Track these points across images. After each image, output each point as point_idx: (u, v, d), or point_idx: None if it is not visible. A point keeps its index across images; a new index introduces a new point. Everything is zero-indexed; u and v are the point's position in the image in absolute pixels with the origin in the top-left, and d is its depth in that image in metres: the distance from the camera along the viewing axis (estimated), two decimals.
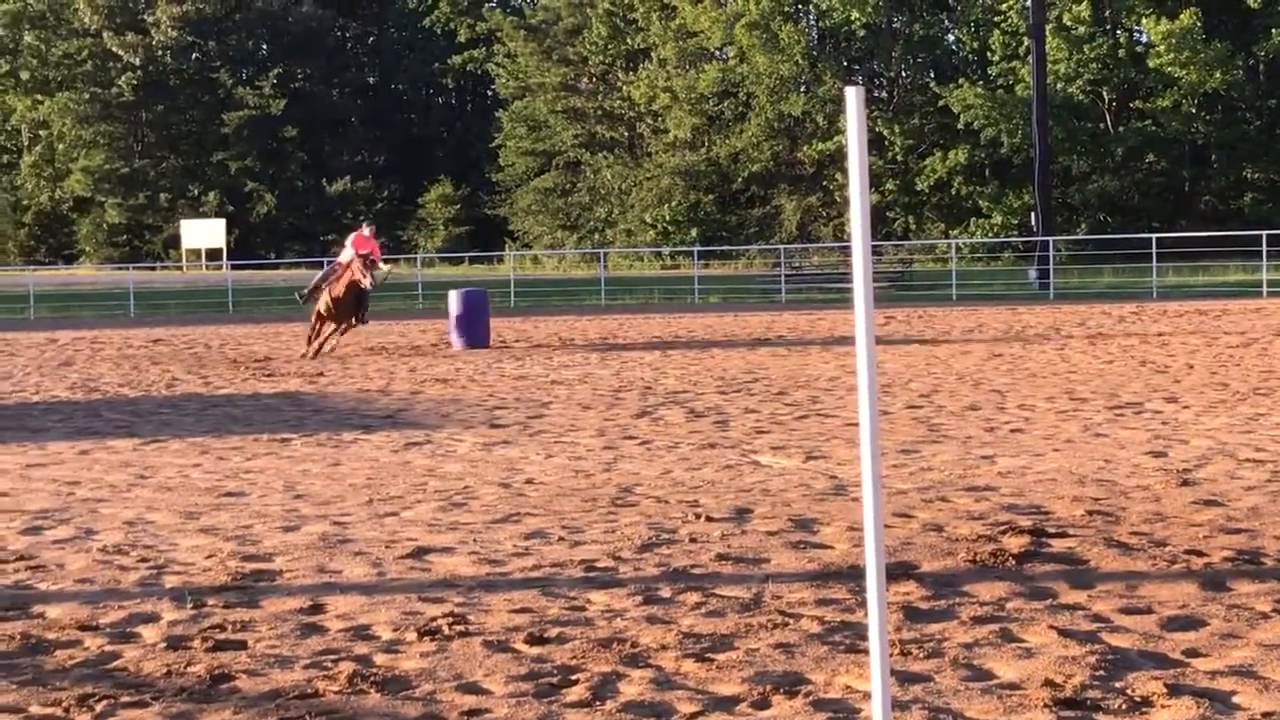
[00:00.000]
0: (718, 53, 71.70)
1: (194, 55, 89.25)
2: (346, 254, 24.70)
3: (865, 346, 4.26)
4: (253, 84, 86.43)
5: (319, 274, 25.35)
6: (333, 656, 6.53)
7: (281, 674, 6.29)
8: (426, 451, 13.00)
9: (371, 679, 6.15)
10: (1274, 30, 58.38)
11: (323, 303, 24.25)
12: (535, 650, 6.54)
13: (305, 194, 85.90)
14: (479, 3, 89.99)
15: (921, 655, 6.29)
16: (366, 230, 25.29)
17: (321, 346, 24.45)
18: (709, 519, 9.42)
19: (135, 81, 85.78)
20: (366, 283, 24.23)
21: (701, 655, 6.40)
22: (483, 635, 6.79)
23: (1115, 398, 15.83)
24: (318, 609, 7.37)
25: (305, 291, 25.27)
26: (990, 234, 60.68)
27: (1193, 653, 6.27)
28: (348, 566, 8.31)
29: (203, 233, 79.08)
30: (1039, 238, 43.88)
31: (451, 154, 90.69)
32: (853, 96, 4.22)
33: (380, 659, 6.48)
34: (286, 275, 60.60)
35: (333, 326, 24.60)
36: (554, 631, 6.82)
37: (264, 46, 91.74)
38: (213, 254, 76.76)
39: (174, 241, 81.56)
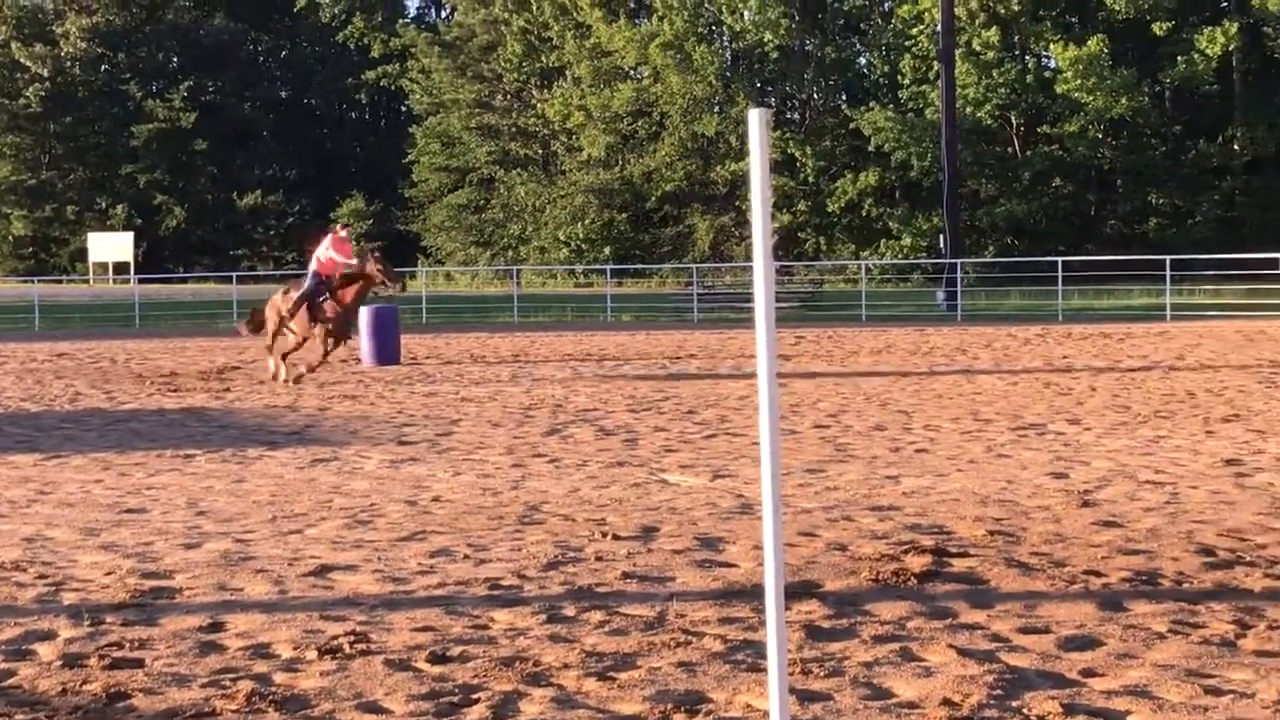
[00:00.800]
0: (632, 72, 71.86)
1: (103, 67, 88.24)
2: (325, 254, 22.26)
3: (767, 366, 4.28)
4: (163, 96, 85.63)
5: (304, 289, 22.20)
6: (231, 675, 6.47)
7: (179, 692, 6.23)
8: (333, 468, 12.92)
9: (270, 698, 6.10)
10: (1179, 58, 59.28)
11: (331, 313, 21.83)
12: (437, 669, 6.51)
13: (215, 208, 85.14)
14: (393, 18, 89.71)
15: (822, 674, 6.32)
16: (344, 232, 22.99)
17: (325, 359, 22.24)
18: (615, 537, 9.42)
19: (43, 93, 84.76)
20: (397, 289, 22.88)
21: (604, 674, 6.39)
22: (384, 654, 6.75)
23: (1019, 419, 16.00)
24: (217, 627, 7.30)
25: (291, 309, 22.15)
26: (900, 255, 61.18)
27: (1089, 672, 6.34)
28: (249, 584, 8.24)
29: (110, 246, 78.14)
30: (947, 260, 44.30)
31: (364, 169, 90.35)
32: (756, 118, 4.25)
33: (280, 677, 6.43)
34: (195, 290, 60.14)
35: (333, 342, 22.09)
36: (456, 650, 6.80)
37: (174, 59, 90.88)
38: (120, 267, 75.89)
39: (81, 254, 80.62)
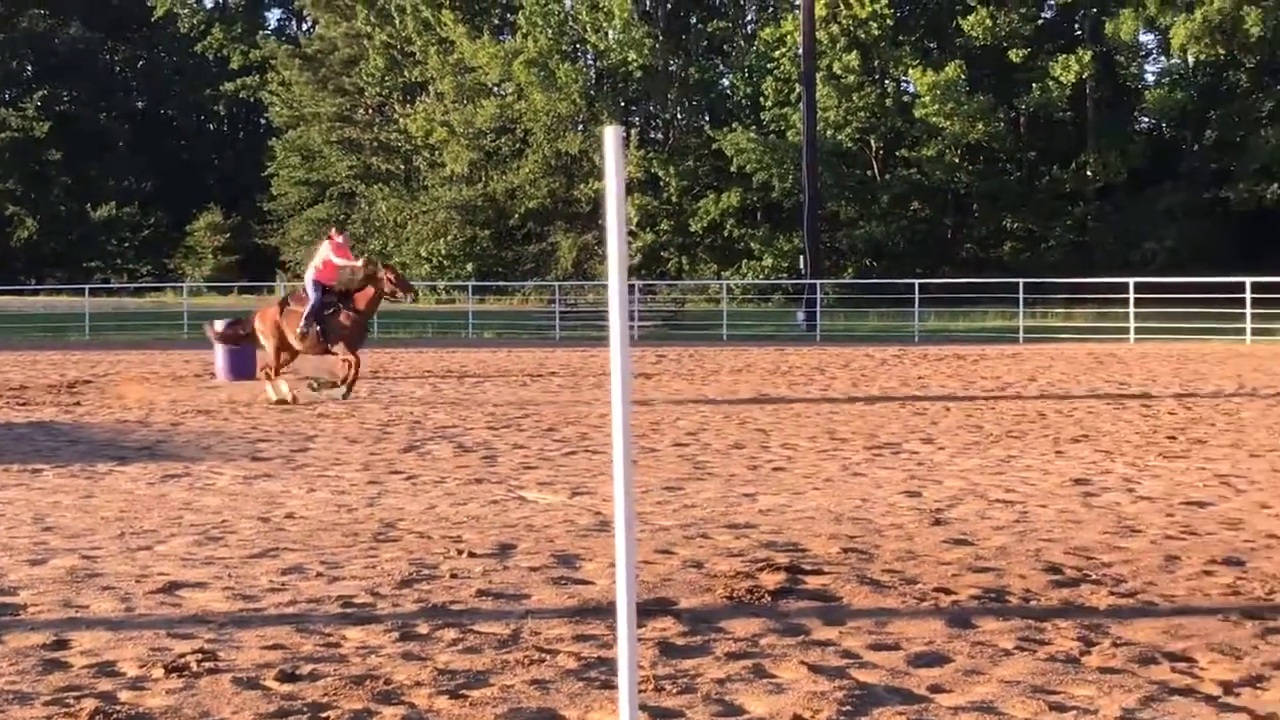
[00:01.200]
0: (496, 88, 71.76)
1: None
2: (323, 260, 20.87)
3: (621, 383, 4.29)
4: (16, 105, 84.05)
5: (309, 304, 20.63)
6: (75, 693, 6.33)
7: (21, 710, 6.09)
8: (184, 484, 12.72)
9: (114, 716, 5.98)
10: (1034, 85, 60.44)
11: (347, 322, 20.63)
12: (286, 688, 6.42)
13: (68, 219, 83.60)
14: (253, 30, 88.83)
15: (675, 691, 6.33)
16: (340, 237, 21.36)
17: (349, 381, 20.82)
18: (471, 555, 9.37)
19: None
20: (409, 299, 21.93)
21: (455, 692, 6.35)
22: (232, 672, 6.65)
23: (874, 438, 16.17)
24: (62, 645, 7.14)
25: (306, 327, 20.54)
26: (761, 276, 61.66)
27: (937, 689, 6.41)
28: (95, 601, 8.08)
29: None
30: (807, 280, 44.76)
31: (222, 182, 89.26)
32: (610, 136, 4.26)
33: (125, 696, 6.31)
34: (47, 302, 58.96)
35: (353, 358, 20.79)
36: (306, 668, 6.71)
37: (29, 67, 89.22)
38: None
39: None
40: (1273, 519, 10.71)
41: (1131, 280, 38.26)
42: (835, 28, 61.97)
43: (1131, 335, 37.47)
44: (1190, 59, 62.22)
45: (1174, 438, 16.09)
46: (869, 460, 14.29)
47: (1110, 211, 62.29)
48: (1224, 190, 59.35)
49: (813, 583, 8.52)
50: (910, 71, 61.96)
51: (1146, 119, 66.88)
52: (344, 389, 20.92)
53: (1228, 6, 56.93)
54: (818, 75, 54.50)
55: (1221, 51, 59.38)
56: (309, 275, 21.31)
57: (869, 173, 64.35)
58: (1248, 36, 57.47)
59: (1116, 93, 64.75)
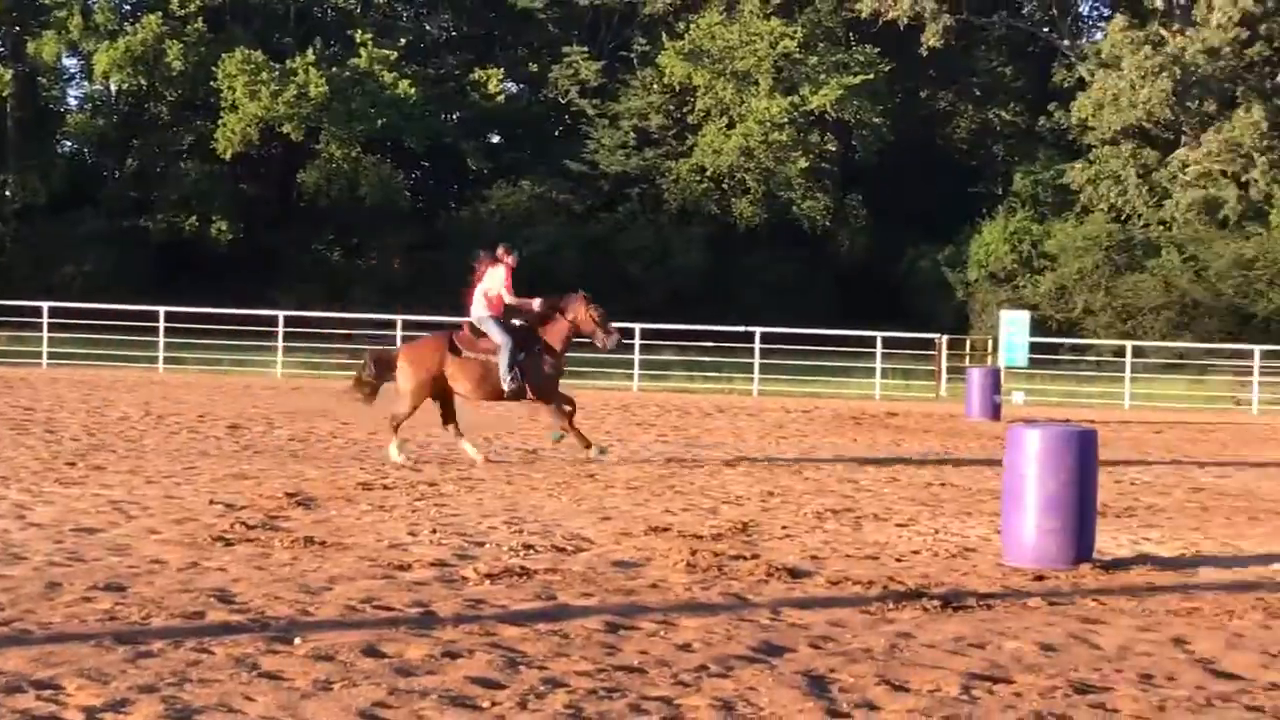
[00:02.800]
0: None
1: None
2: (495, 290, 16.87)
3: None
4: None
5: (503, 342, 16.61)
6: None
7: None
8: None
9: None
10: None
11: (549, 372, 17.00)
12: None
13: None
14: None
15: None
16: (511, 258, 17.00)
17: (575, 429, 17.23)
18: None
19: None
20: (611, 343, 17.25)
21: None
22: None
23: None
24: None
25: (512, 382, 16.55)
26: None
27: None
28: None
29: None
30: None
31: None
32: None
33: None
34: None
35: (568, 405, 17.22)
36: None
37: None
38: None
39: None
40: (159, 544, 11.00)
41: (46, 305, 37.85)
42: None
43: (45, 360, 37.03)
44: (113, 87, 62.56)
45: (74, 464, 16.08)
46: None
47: (29, 234, 61.17)
48: (144, 219, 60.06)
49: None
50: None
51: (69, 143, 66.49)
52: (561, 434, 17.58)
53: (150, 38, 57.94)
54: None
55: (144, 82, 60.19)
56: (481, 309, 17.04)
57: None
58: (169, 70, 58.68)
59: (39, 114, 63.78)
